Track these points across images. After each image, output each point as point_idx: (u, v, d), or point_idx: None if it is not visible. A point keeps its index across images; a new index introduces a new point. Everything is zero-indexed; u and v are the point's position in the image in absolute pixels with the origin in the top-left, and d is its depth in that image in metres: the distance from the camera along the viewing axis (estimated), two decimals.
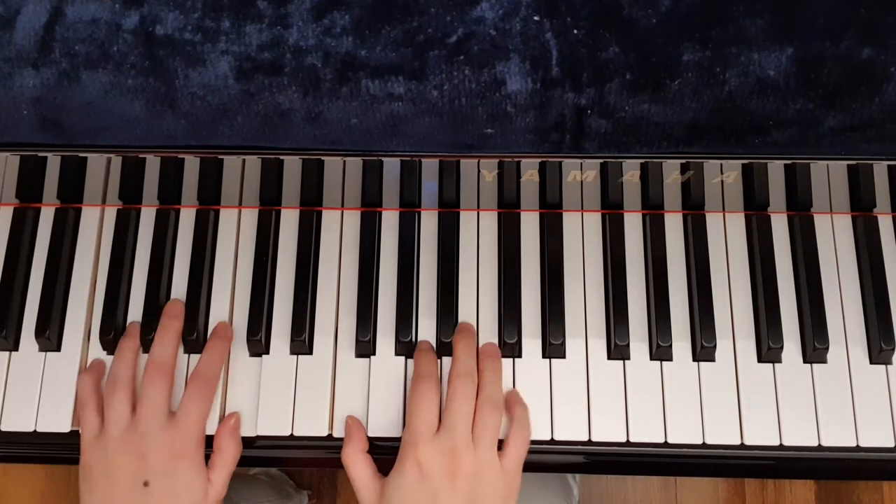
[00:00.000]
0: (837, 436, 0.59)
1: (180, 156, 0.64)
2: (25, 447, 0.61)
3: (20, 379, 0.61)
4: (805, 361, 0.61)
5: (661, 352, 0.61)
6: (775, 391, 0.60)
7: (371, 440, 0.59)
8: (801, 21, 0.45)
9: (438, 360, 0.61)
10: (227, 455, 0.59)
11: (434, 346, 0.62)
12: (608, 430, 0.60)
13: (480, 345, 0.62)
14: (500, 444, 0.58)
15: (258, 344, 0.61)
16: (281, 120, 0.47)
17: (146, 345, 0.61)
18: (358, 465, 0.58)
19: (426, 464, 0.54)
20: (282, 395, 0.61)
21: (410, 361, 0.61)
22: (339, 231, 0.65)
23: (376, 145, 0.49)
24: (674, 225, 0.64)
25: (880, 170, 0.63)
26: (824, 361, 0.61)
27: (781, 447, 0.59)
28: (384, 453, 0.60)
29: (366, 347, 0.61)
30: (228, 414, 0.60)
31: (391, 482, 0.55)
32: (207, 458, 0.58)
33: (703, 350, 0.61)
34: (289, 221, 0.65)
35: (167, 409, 0.58)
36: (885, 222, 0.64)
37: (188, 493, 0.56)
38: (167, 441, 0.56)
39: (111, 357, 0.61)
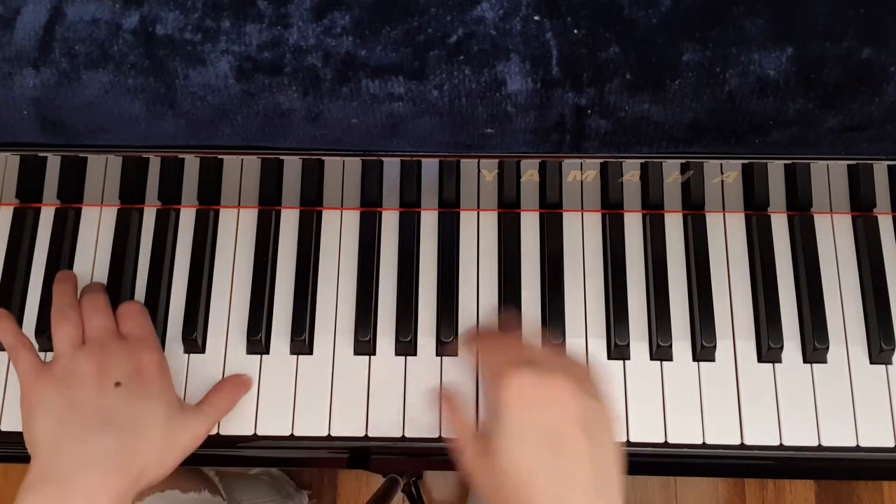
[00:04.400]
0: (837, 436, 0.59)
1: (180, 156, 0.63)
2: (25, 447, 0.61)
3: None
4: (805, 361, 0.61)
5: (661, 352, 0.61)
6: (775, 391, 0.60)
7: (370, 439, 0.59)
8: (801, 21, 0.45)
9: (439, 360, 0.61)
10: (219, 403, 0.58)
11: (435, 346, 0.62)
12: None
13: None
14: None
15: (258, 344, 0.61)
16: (281, 120, 0.47)
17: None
18: (457, 429, 0.54)
19: (527, 388, 0.48)
20: (282, 395, 0.61)
21: (410, 361, 0.61)
22: (339, 231, 0.65)
23: (376, 145, 0.49)
24: (674, 225, 0.64)
25: (880, 170, 0.63)
26: (824, 361, 0.61)
27: (781, 447, 0.59)
28: (383, 453, 0.61)
29: (366, 347, 0.61)
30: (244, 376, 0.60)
31: (494, 435, 0.48)
32: None
33: (703, 350, 0.61)
34: (289, 221, 0.65)
35: (115, 327, 0.58)
36: (885, 222, 0.64)
37: (161, 393, 0.55)
38: (127, 346, 0.56)
39: None
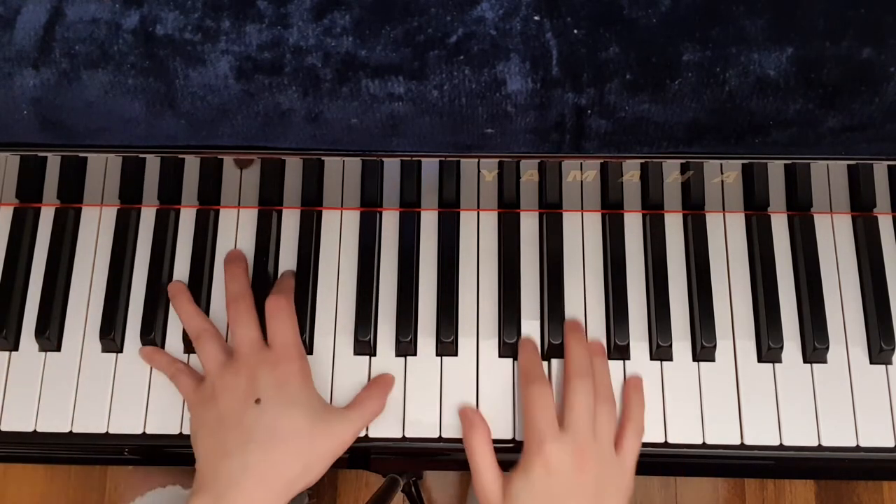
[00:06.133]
0: (837, 436, 0.59)
1: (180, 156, 0.63)
2: (25, 447, 0.61)
3: (20, 379, 0.61)
4: (805, 361, 0.61)
5: (661, 352, 0.61)
6: (775, 391, 0.60)
7: (369, 440, 0.59)
8: (801, 21, 0.45)
9: (439, 360, 0.61)
10: (367, 406, 0.59)
11: (435, 346, 0.62)
12: None
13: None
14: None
15: None
16: (281, 120, 0.47)
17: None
18: (484, 455, 0.57)
19: (554, 461, 0.54)
20: None
21: (410, 361, 0.61)
22: (339, 231, 0.65)
23: (376, 145, 0.49)
24: (674, 225, 0.64)
25: (880, 170, 0.63)
26: (824, 361, 0.61)
27: (781, 447, 0.59)
28: (383, 453, 0.61)
29: (366, 347, 0.61)
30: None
31: (517, 481, 0.55)
32: None
33: (703, 350, 0.61)
34: (289, 221, 0.65)
35: (260, 336, 0.58)
36: (885, 222, 0.64)
37: (301, 402, 0.56)
38: (270, 358, 0.57)
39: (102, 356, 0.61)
